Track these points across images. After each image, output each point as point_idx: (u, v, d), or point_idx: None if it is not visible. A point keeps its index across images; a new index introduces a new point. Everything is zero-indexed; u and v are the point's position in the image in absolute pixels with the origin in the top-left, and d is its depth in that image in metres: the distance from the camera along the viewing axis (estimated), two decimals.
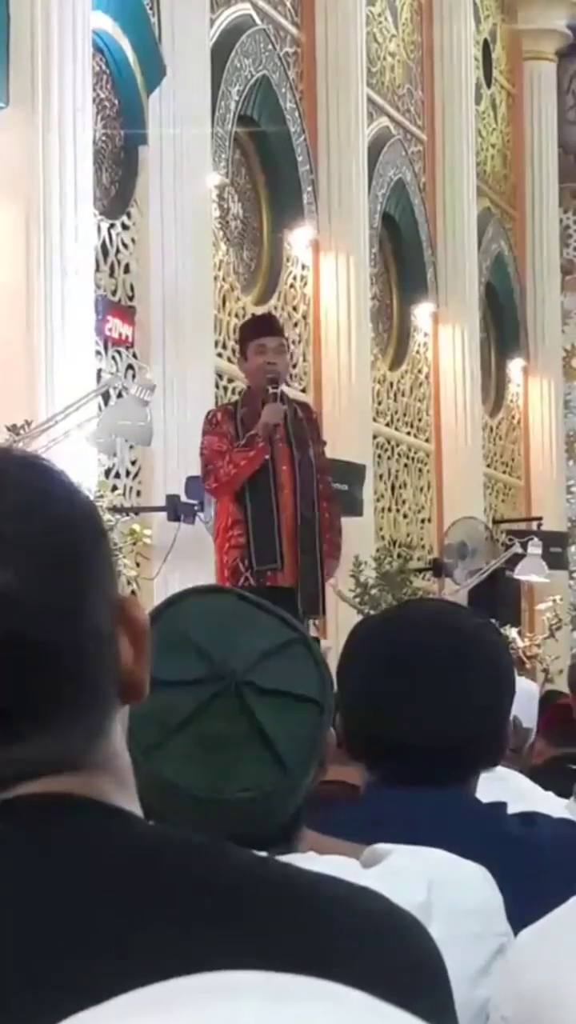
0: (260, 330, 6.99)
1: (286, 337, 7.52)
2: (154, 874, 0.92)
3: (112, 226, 8.51)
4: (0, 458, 1.03)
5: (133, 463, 8.49)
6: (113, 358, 8.39)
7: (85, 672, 0.97)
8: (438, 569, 11.43)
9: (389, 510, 11.99)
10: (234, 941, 0.89)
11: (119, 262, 8.57)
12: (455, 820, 1.94)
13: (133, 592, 7.50)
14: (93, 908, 0.90)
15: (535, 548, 10.95)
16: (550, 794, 2.92)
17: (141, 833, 0.96)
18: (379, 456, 11.65)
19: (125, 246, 8.61)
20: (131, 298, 8.62)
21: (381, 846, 1.63)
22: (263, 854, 0.98)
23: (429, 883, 1.60)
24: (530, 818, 2.07)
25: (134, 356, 8.52)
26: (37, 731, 0.96)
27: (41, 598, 0.95)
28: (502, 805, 2.04)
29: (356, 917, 0.95)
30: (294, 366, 10.07)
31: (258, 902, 0.92)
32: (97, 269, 7.92)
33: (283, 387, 6.94)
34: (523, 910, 1.55)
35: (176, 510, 8.07)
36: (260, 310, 10.21)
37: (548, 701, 4.83)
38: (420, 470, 12.51)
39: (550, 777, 3.33)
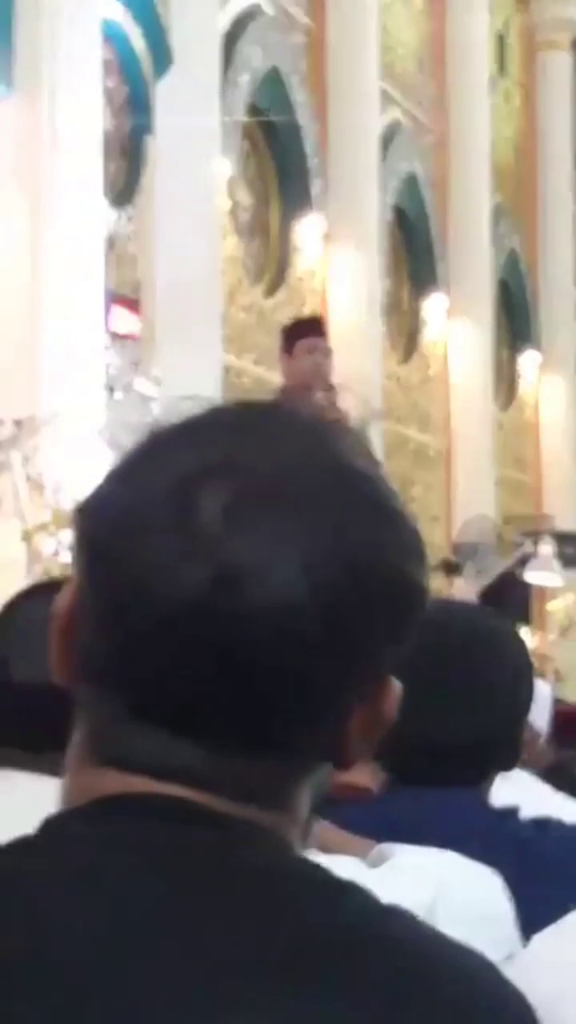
0: (313, 330, 6.97)
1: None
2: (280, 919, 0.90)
3: (118, 217, 8.45)
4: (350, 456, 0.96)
5: None
6: (119, 351, 8.33)
7: (324, 718, 0.95)
8: (448, 568, 11.38)
9: None
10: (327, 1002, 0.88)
11: (125, 254, 8.51)
12: (467, 822, 1.93)
13: None
14: (211, 944, 0.88)
15: (546, 547, 10.88)
16: (562, 795, 2.88)
17: (281, 869, 0.93)
18: (388, 453, 11.59)
19: (130, 238, 8.55)
20: (137, 291, 8.57)
21: (388, 845, 1.61)
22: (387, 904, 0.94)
23: (436, 884, 1.57)
24: (542, 822, 2.06)
25: (140, 350, 8.46)
26: (261, 748, 0.94)
27: (324, 629, 0.92)
28: (515, 809, 2.03)
29: (475, 997, 0.92)
30: None
31: (368, 966, 0.89)
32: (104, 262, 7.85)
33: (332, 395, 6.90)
34: (535, 914, 1.54)
35: None
36: (268, 303, 10.15)
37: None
38: (430, 467, 12.46)
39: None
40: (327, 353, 6.89)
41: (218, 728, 0.93)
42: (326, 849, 1.56)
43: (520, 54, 14.38)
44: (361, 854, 1.60)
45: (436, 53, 12.57)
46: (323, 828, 1.62)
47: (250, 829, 0.93)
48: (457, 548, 11.32)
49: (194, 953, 0.88)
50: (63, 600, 0.97)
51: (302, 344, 6.76)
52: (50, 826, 0.95)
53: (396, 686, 0.99)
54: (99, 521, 0.95)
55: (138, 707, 0.94)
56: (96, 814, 0.94)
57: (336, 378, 10.01)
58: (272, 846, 0.93)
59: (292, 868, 0.93)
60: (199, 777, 0.94)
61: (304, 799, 0.97)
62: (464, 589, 10.67)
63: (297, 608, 0.91)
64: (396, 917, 0.93)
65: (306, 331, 6.99)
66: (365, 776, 2.11)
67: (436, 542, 12.26)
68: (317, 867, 0.94)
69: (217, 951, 0.88)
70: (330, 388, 6.75)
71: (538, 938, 1.47)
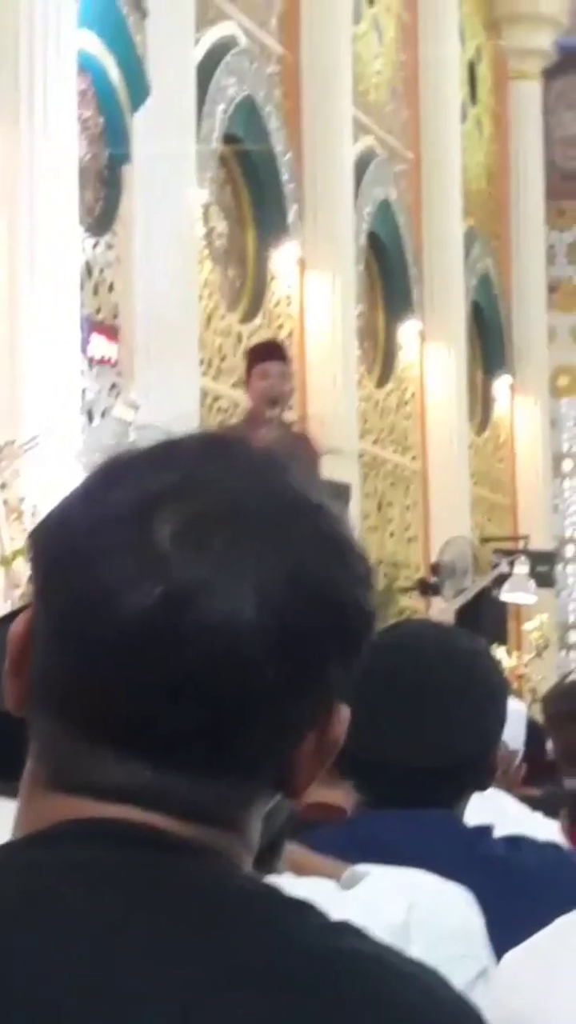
0: (264, 355, 7.13)
1: (290, 363, 7.57)
2: (233, 938, 0.91)
3: (96, 244, 8.49)
4: (297, 483, 0.98)
5: None
6: (97, 377, 8.36)
7: (274, 741, 0.96)
8: (424, 588, 11.40)
9: (376, 529, 11.97)
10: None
11: (103, 281, 8.55)
12: (442, 842, 1.94)
13: None
14: (167, 969, 0.89)
15: (522, 567, 10.92)
16: (537, 815, 2.90)
17: (241, 892, 0.94)
18: (365, 474, 11.63)
19: (109, 264, 8.60)
20: (115, 317, 8.60)
21: (361, 867, 1.62)
22: (342, 922, 0.95)
23: (409, 904, 1.58)
24: (515, 841, 2.07)
25: (118, 375, 8.50)
26: (210, 769, 0.94)
27: (279, 654, 0.93)
28: (488, 828, 2.04)
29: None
30: None
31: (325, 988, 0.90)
32: (81, 288, 7.90)
33: (282, 413, 7.03)
34: (508, 933, 1.54)
35: None
36: (245, 328, 10.20)
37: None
38: (406, 488, 12.49)
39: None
40: (283, 376, 7.02)
41: (169, 749, 0.93)
42: (299, 871, 1.56)
43: (491, 82, 14.46)
44: (335, 875, 1.61)
45: (409, 82, 12.63)
46: (296, 850, 1.63)
47: (203, 851, 0.94)
48: (435, 568, 11.35)
49: (152, 975, 0.88)
50: (17, 627, 0.97)
51: (256, 370, 6.97)
52: (5, 854, 0.95)
53: (345, 711, 1.00)
54: (54, 542, 0.96)
55: (90, 729, 0.94)
56: (51, 840, 0.94)
57: (313, 402, 10.10)
58: (225, 867, 0.94)
59: (245, 889, 0.94)
60: (151, 799, 0.94)
61: (256, 821, 0.98)
62: (441, 609, 10.69)
63: (246, 629, 0.92)
64: (350, 935, 0.93)
65: (261, 356, 7.17)
66: (339, 797, 2.12)
67: (413, 562, 12.29)
68: (270, 887, 0.95)
69: (174, 973, 0.88)
70: (274, 405, 6.86)
71: (510, 956, 1.50)
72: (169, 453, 0.98)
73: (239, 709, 0.94)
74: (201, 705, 0.93)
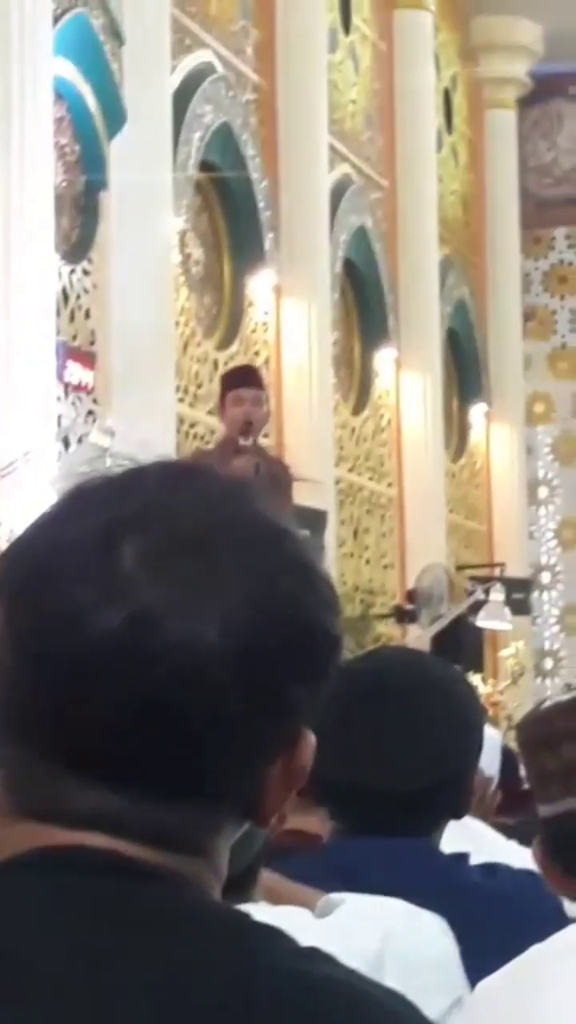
0: (238, 381, 7.13)
1: (265, 389, 7.59)
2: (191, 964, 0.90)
3: (73, 271, 8.50)
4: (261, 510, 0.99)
5: None
6: (73, 403, 8.36)
7: (240, 767, 0.96)
8: (400, 615, 11.41)
9: (352, 556, 11.98)
10: None
11: (80, 307, 8.56)
12: (418, 870, 1.93)
13: None
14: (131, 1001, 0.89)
15: (497, 594, 10.93)
16: (512, 843, 2.89)
17: (215, 917, 0.94)
18: (341, 501, 11.64)
19: (86, 291, 8.60)
20: (92, 343, 8.61)
21: (336, 895, 1.61)
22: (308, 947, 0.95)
23: (383, 933, 1.58)
24: (491, 869, 2.07)
25: (94, 402, 8.50)
26: (177, 795, 0.94)
27: (241, 670, 0.93)
28: (464, 855, 2.04)
29: None
30: None
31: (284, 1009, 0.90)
32: (57, 314, 7.90)
33: (259, 440, 7.05)
34: (485, 961, 1.55)
35: None
36: (222, 355, 10.22)
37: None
38: (382, 516, 12.51)
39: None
40: (257, 401, 7.03)
41: (135, 775, 0.93)
42: (274, 899, 1.55)
43: (467, 111, 14.54)
44: (309, 904, 1.60)
45: (384, 110, 12.69)
46: (271, 878, 1.62)
47: (171, 877, 0.94)
48: (411, 595, 11.35)
49: (121, 1002, 0.89)
50: None
51: (230, 396, 7.00)
52: None
53: (311, 737, 1.00)
54: (19, 568, 0.96)
55: (55, 756, 0.94)
56: (18, 868, 0.94)
57: (288, 430, 10.12)
58: (193, 894, 0.94)
59: (214, 915, 0.94)
60: (118, 825, 0.94)
61: (224, 847, 0.98)
62: (418, 636, 10.70)
63: (209, 652, 0.92)
64: (319, 961, 0.93)
65: (235, 383, 7.19)
66: (315, 824, 2.12)
67: (389, 589, 12.30)
68: (239, 913, 0.96)
69: (144, 1000, 0.89)
70: (247, 433, 6.89)
71: (484, 984, 1.50)
72: (134, 480, 0.98)
73: (204, 733, 0.94)
74: (166, 729, 0.93)
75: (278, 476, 7.09)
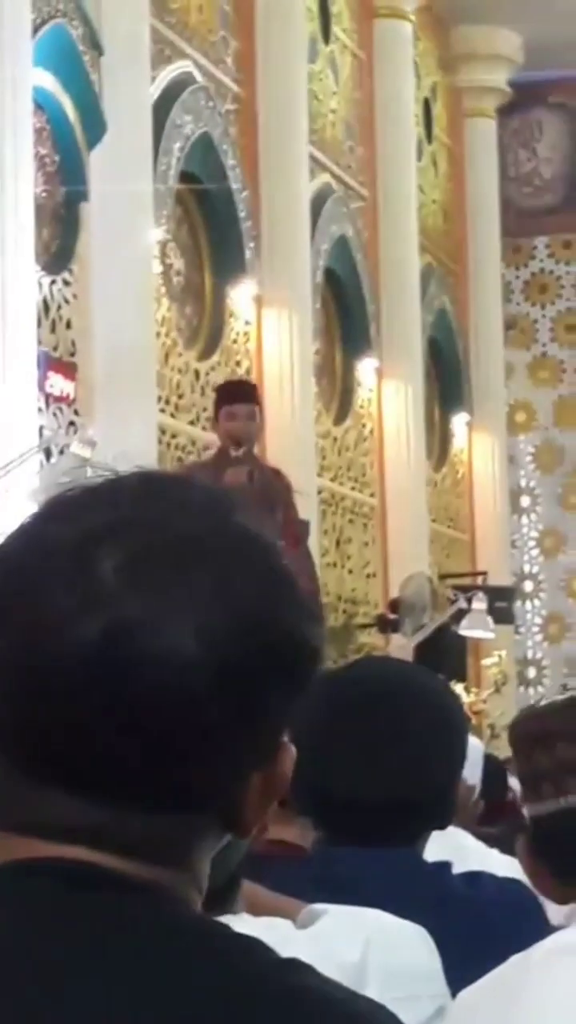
0: (232, 397, 7.20)
1: (259, 403, 7.62)
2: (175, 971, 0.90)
3: (53, 282, 8.49)
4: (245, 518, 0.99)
5: None
6: (55, 414, 8.35)
7: (220, 778, 0.95)
8: (384, 624, 11.41)
9: (334, 565, 11.98)
10: None
11: (60, 318, 8.56)
12: (401, 880, 1.93)
13: None
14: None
15: (480, 603, 10.94)
16: (495, 851, 2.90)
17: (183, 925, 0.94)
18: (324, 511, 11.65)
19: (67, 302, 8.60)
20: (72, 354, 8.60)
21: (318, 906, 1.62)
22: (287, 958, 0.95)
23: (364, 944, 1.58)
24: (475, 877, 2.07)
25: (76, 412, 8.49)
26: (156, 807, 0.94)
27: (218, 685, 0.93)
28: (447, 864, 2.04)
29: None
30: None
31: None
32: (38, 325, 7.90)
33: (253, 450, 7.10)
34: (468, 969, 1.55)
35: None
36: (203, 366, 10.22)
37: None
38: (365, 525, 12.52)
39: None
40: (250, 416, 7.10)
41: (114, 787, 0.93)
42: (256, 910, 1.55)
43: (447, 120, 14.57)
44: (292, 915, 1.61)
45: (364, 119, 12.71)
46: (253, 889, 1.62)
47: (151, 889, 0.94)
48: (394, 605, 11.36)
49: (102, 1016, 0.88)
50: None
51: (223, 411, 7.08)
52: None
53: (291, 749, 1.00)
54: None
55: (34, 768, 0.94)
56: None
57: (271, 439, 10.11)
58: (174, 906, 0.94)
59: (194, 927, 0.94)
60: (98, 838, 0.94)
61: (205, 859, 0.98)
62: (401, 645, 10.70)
63: (187, 663, 0.92)
64: (298, 971, 0.94)
65: (229, 398, 7.26)
66: (297, 834, 2.12)
67: (372, 599, 12.30)
68: (219, 925, 0.95)
69: (126, 1013, 0.89)
70: (239, 444, 6.96)
71: (465, 993, 1.50)
72: (112, 490, 0.98)
73: (183, 744, 0.93)
74: (144, 741, 0.92)
75: (271, 484, 7.14)
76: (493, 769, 4.21)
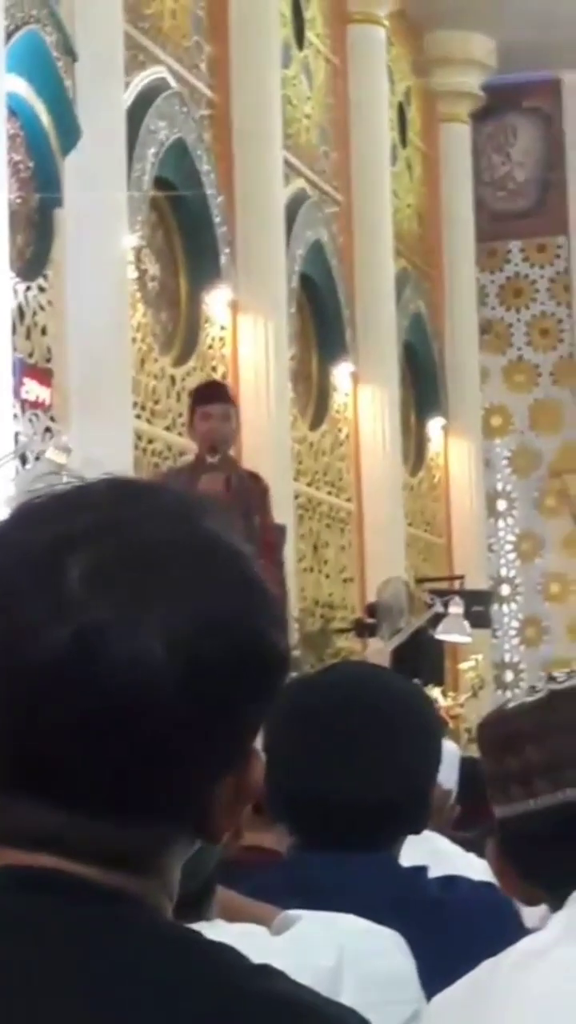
0: (205, 397, 7.19)
1: (234, 403, 7.63)
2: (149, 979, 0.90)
3: (28, 288, 8.49)
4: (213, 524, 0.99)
5: None
6: (30, 420, 8.34)
7: (190, 784, 0.95)
8: (361, 629, 11.42)
9: (311, 570, 11.99)
10: None
11: (36, 324, 8.55)
12: (377, 885, 1.94)
13: None
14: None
15: (456, 607, 10.95)
16: (471, 856, 2.91)
17: (158, 934, 0.94)
18: (300, 516, 11.65)
19: (42, 308, 8.59)
20: (48, 360, 8.60)
21: (292, 912, 1.62)
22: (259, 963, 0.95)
23: (339, 949, 1.58)
24: (450, 882, 2.08)
25: (51, 418, 8.48)
26: (126, 814, 0.94)
27: (189, 692, 0.93)
28: (423, 869, 2.04)
29: None
30: None
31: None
32: (13, 332, 7.89)
33: (230, 453, 7.11)
34: (444, 974, 1.55)
35: None
36: (179, 371, 10.21)
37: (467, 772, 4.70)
38: (342, 529, 12.53)
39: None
40: (225, 416, 7.09)
41: (83, 794, 0.93)
42: (230, 916, 1.56)
43: (422, 125, 14.59)
44: (266, 921, 1.61)
45: (338, 124, 12.73)
46: (227, 895, 1.62)
47: (121, 897, 0.94)
48: (371, 609, 11.37)
49: (70, 1022, 0.88)
50: None
51: (198, 412, 7.07)
52: None
53: (261, 756, 1.00)
54: None
55: (2, 774, 0.94)
56: None
57: (247, 444, 10.12)
58: (144, 913, 0.94)
59: (165, 934, 0.94)
60: (67, 845, 0.94)
61: (175, 865, 0.98)
62: (378, 650, 10.71)
63: (156, 670, 0.92)
64: (270, 977, 0.94)
65: (202, 399, 7.26)
66: (273, 840, 2.12)
67: (349, 603, 12.31)
68: (190, 931, 0.96)
69: (94, 1018, 0.89)
70: (215, 450, 6.96)
71: (439, 999, 1.50)
72: (83, 497, 0.98)
73: (152, 751, 0.93)
74: (113, 747, 0.92)
75: (249, 489, 7.14)
76: (472, 773, 4.19)
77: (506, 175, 15.24)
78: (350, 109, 12.70)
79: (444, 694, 10.78)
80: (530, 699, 1.65)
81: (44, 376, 8.50)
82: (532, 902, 1.69)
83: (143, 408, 9.72)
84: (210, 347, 10.58)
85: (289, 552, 10.20)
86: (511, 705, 1.68)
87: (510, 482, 15.18)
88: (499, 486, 15.13)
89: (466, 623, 11.02)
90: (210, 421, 6.99)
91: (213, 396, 7.33)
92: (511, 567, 15.08)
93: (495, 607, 14.31)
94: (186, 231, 10.37)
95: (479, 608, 12.12)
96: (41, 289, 8.59)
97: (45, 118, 8.50)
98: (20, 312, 8.34)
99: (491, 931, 1.86)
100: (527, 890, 1.66)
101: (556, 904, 1.58)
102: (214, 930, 1.39)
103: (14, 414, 7.87)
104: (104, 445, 8.40)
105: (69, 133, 8.54)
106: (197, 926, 1.32)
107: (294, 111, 11.96)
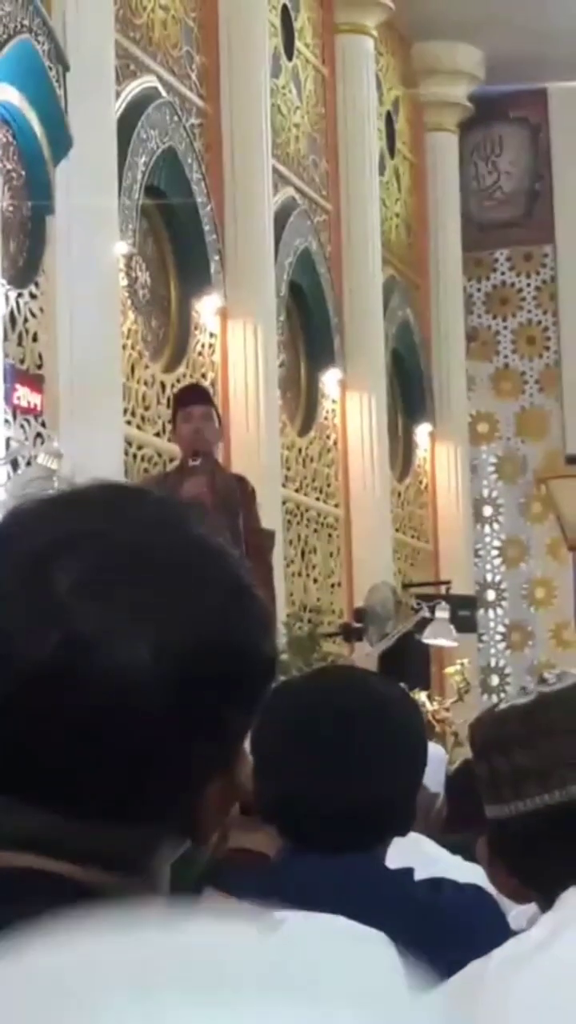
0: (187, 400, 7.24)
1: (215, 406, 7.67)
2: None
3: (20, 295, 8.53)
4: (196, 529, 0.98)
5: None
6: (22, 426, 8.38)
7: (176, 787, 0.95)
8: (348, 633, 11.46)
9: (299, 575, 12.02)
10: None
11: (27, 331, 8.59)
12: (363, 887, 1.95)
13: None
14: None
15: (443, 612, 11.00)
16: (458, 858, 2.92)
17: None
18: (288, 521, 11.69)
19: (33, 315, 8.63)
20: (39, 367, 8.64)
21: (279, 914, 1.63)
22: None
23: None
24: (436, 884, 2.09)
25: (43, 424, 8.52)
26: (113, 816, 0.93)
27: (173, 697, 0.92)
28: (409, 871, 2.06)
29: None
30: None
31: None
32: (5, 338, 7.93)
33: (215, 455, 7.14)
34: (430, 975, 1.54)
35: None
36: (169, 378, 10.25)
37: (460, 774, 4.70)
38: (329, 535, 12.56)
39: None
40: (207, 418, 7.13)
41: (71, 796, 0.93)
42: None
43: (409, 134, 14.63)
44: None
45: (327, 134, 12.77)
46: (216, 898, 1.64)
47: (106, 895, 0.94)
48: (358, 614, 11.40)
49: None
50: None
51: (180, 415, 7.12)
52: None
53: (248, 758, 1.01)
54: None
55: None
56: None
57: (236, 451, 10.16)
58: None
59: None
60: (54, 847, 0.94)
61: (163, 867, 0.98)
62: (365, 654, 10.74)
63: (143, 675, 0.92)
64: None
65: (184, 401, 7.31)
66: (262, 842, 2.14)
67: (337, 608, 12.34)
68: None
69: None
70: (197, 454, 7.00)
71: (428, 998, 1.54)
72: (70, 503, 0.99)
73: (139, 755, 0.94)
74: (101, 752, 0.93)
75: (233, 491, 7.16)
76: (466, 777, 4.21)
77: (493, 184, 15.28)
78: (339, 118, 12.74)
79: (430, 698, 10.82)
80: (520, 701, 1.66)
81: (35, 382, 8.53)
82: (523, 899, 1.71)
83: (133, 414, 9.76)
84: (200, 354, 10.62)
85: (277, 557, 10.24)
86: (502, 707, 1.69)
87: (496, 488, 15.22)
88: (485, 492, 15.17)
89: (452, 628, 11.07)
90: (192, 422, 7.02)
91: (193, 398, 7.38)
92: (497, 572, 15.12)
93: (481, 612, 14.35)
94: (176, 239, 10.41)
95: (465, 613, 12.16)
96: (33, 296, 8.63)
97: (37, 127, 8.54)
98: (12, 319, 8.38)
99: (476, 933, 1.88)
100: (518, 888, 1.68)
101: (545, 904, 1.59)
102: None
103: (6, 420, 7.92)
104: (95, 451, 8.44)
105: (61, 141, 8.58)
106: None
107: (283, 120, 12.00)
